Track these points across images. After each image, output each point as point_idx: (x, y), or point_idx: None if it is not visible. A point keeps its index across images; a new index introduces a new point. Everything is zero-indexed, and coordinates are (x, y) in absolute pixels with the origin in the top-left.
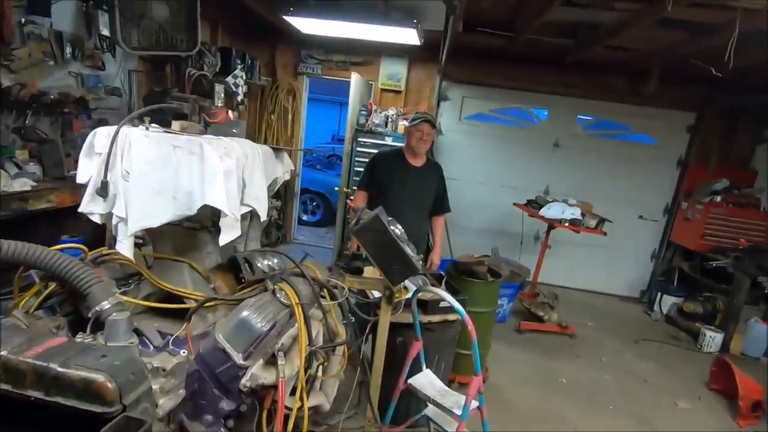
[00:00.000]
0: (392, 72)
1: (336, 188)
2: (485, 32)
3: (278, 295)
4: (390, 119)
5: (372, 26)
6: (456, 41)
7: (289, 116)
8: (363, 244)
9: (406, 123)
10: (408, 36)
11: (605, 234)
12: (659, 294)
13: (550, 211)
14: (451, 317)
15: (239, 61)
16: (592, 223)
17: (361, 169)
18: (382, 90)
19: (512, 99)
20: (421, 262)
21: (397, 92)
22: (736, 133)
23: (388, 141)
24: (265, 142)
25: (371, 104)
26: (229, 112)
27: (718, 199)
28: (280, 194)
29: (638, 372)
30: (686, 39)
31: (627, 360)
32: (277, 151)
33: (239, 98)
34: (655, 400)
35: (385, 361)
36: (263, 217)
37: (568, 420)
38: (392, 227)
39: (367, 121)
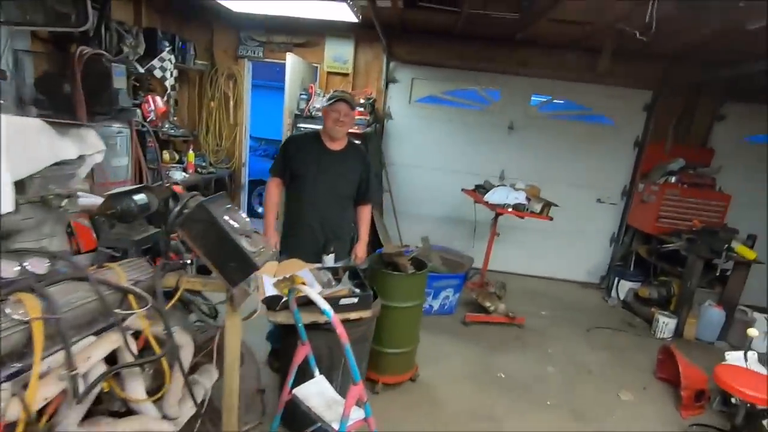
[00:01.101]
0: (338, 53)
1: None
2: (429, 8)
3: (8, 310)
4: None
5: (304, 1)
6: (401, 19)
7: (231, 103)
8: (189, 238)
9: None
10: (343, 12)
11: (551, 219)
12: (617, 279)
13: (495, 196)
14: (354, 315)
15: (167, 44)
16: (537, 207)
17: None
18: (329, 73)
19: (464, 79)
20: (270, 251)
21: (345, 75)
22: (694, 111)
23: None
24: (207, 132)
25: (312, 87)
26: (157, 99)
27: (674, 179)
28: (226, 186)
29: (585, 363)
30: (631, 10)
31: (575, 350)
32: (64, 126)
33: (168, 83)
34: (598, 393)
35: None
36: (6, 207)
37: (497, 418)
38: (226, 217)
39: (307, 105)
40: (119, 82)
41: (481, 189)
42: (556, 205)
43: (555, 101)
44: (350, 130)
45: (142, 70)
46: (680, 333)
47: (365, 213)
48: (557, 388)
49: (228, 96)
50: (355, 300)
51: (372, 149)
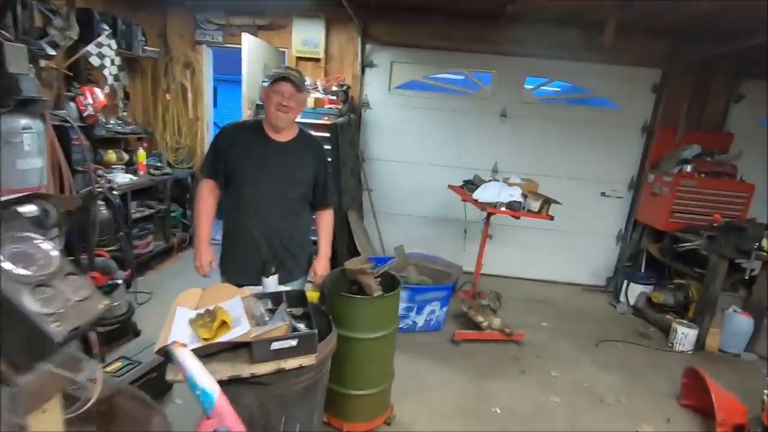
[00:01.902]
0: (307, 36)
1: None
2: None
3: None
4: None
5: None
6: None
7: (190, 95)
8: None
9: (320, 94)
10: None
11: (552, 218)
12: (625, 282)
13: (485, 193)
14: (292, 363)
15: (106, 27)
16: (535, 205)
17: None
18: (298, 58)
19: (450, 62)
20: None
21: (316, 60)
22: (709, 91)
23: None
24: (164, 127)
25: None
26: (96, 91)
27: (689, 168)
28: (188, 188)
29: (595, 388)
30: None
31: (583, 372)
32: None
33: (108, 72)
34: (613, 427)
35: None
36: None
37: None
38: None
39: None
40: (18, 65)
41: (470, 185)
42: (557, 203)
43: (552, 84)
44: (317, 121)
45: (52, 52)
46: (702, 344)
47: (326, 220)
48: (564, 424)
49: (186, 87)
50: (294, 342)
51: (345, 142)
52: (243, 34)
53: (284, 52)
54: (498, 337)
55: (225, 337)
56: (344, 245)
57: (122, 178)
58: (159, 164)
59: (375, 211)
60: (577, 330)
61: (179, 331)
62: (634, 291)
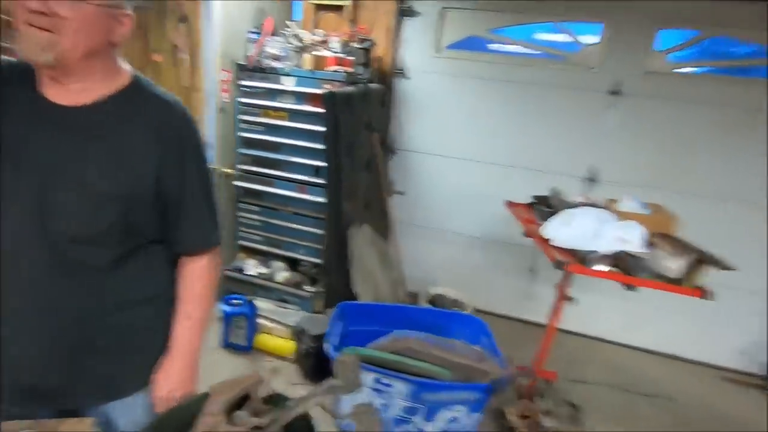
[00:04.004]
0: None
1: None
2: None
3: None
4: (295, 46)
5: None
6: None
7: (185, 57)
8: None
9: (327, 52)
10: None
11: (704, 294)
12: None
13: (569, 230)
14: None
15: None
16: (674, 267)
17: (251, 135)
18: (317, 6)
19: (532, 7)
20: None
21: (339, 9)
22: None
23: (288, 85)
24: None
25: (268, 23)
26: None
27: None
28: None
29: None
30: None
31: None
32: None
33: None
34: None
35: None
36: None
37: None
38: None
39: (255, 50)
40: None
41: (543, 208)
42: (726, 267)
43: (703, 41)
44: (316, 90)
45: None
46: None
47: (195, 278)
48: None
49: (177, 48)
50: None
51: (353, 121)
52: None
53: None
54: None
55: None
56: (342, 281)
57: None
58: None
59: (403, 224)
60: None
61: None
62: None
